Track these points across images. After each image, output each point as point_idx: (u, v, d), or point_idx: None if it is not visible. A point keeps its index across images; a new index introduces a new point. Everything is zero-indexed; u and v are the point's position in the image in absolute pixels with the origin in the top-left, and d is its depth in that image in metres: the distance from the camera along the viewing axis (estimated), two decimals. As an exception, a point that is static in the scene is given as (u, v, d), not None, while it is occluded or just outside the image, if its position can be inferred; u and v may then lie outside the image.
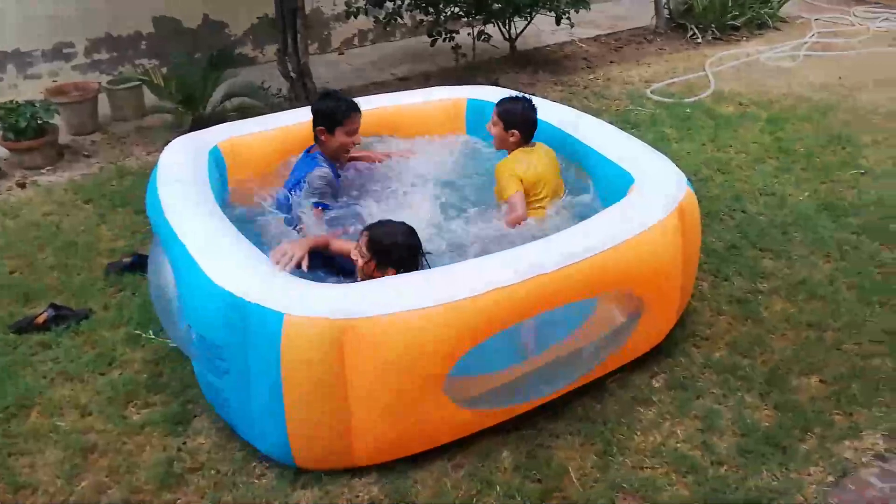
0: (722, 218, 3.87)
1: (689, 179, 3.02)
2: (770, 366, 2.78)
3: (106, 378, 2.79)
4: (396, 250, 2.44)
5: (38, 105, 4.76)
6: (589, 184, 3.28)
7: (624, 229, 2.54)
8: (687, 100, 5.57)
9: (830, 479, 2.29)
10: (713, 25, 7.26)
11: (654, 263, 2.57)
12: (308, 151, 3.30)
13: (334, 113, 3.19)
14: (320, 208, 3.12)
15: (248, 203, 3.34)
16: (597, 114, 5.34)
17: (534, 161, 3.17)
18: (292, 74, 5.64)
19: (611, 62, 6.76)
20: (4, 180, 4.63)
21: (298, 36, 5.53)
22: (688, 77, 6.12)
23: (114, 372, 2.84)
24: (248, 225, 3.15)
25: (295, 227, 3.05)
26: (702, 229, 3.65)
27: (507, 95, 3.34)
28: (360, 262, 2.48)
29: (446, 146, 3.72)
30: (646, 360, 2.80)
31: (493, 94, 3.97)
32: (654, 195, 2.74)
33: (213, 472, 2.38)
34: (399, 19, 6.44)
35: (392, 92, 4.35)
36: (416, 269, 2.45)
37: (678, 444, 2.42)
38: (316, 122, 3.23)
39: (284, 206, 3.16)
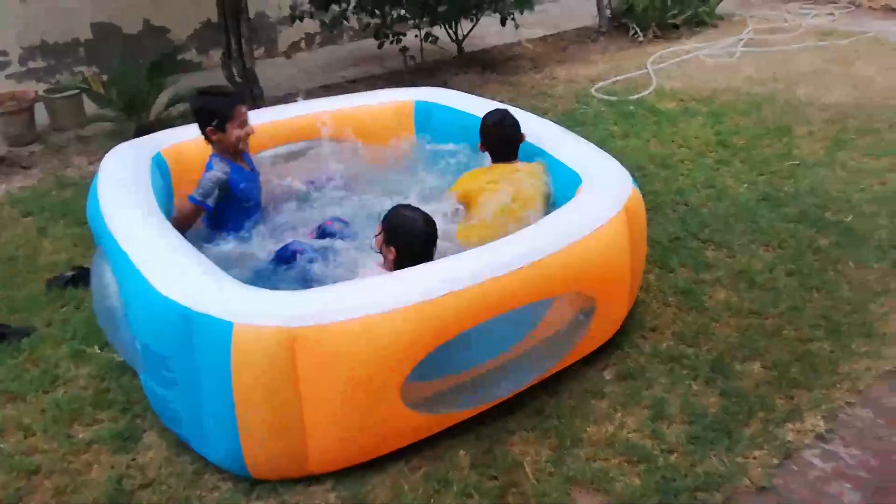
0: (666, 211, 3.97)
1: (634, 175, 3.10)
2: (715, 353, 2.86)
3: (50, 396, 2.70)
4: (403, 233, 2.56)
5: (-32, 116, 4.59)
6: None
7: (574, 231, 2.57)
8: (630, 97, 5.70)
9: (775, 461, 2.36)
10: (654, 24, 7.44)
11: (603, 263, 2.62)
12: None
13: (220, 109, 3.11)
14: (196, 205, 3.08)
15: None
16: (544, 113, 5.45)
17: (484, 178, 3.16)
18: (238, 79, 5.57)
19: (557, 62, 6.87)
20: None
21: (243, 40, 5.47)
22: (631, 75, 6.26)
23: (58, 390, 2.75)
24: (194, 233, 3.11)
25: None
26: (647, 223, 3.76)
27: (493, 108, 3.37)
28: (376, 230, 2.68)
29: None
30: (597, 353, 2.85)
31: (440, 96, 4.01)
32: (602, 195, 2.79)
33: (164, 487, 2.33)
34: (346, 22, 6.42)
35: (341, 95, 4.35)
36: (428, 258, 2.54)
37: (629, 435, 2.48)
38: (203, 124, 3.12)
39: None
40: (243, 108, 3.14)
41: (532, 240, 2.52)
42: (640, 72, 6.33)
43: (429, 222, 2.60)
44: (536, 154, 3.30)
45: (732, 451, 2.39)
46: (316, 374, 2.12)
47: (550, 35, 7.77)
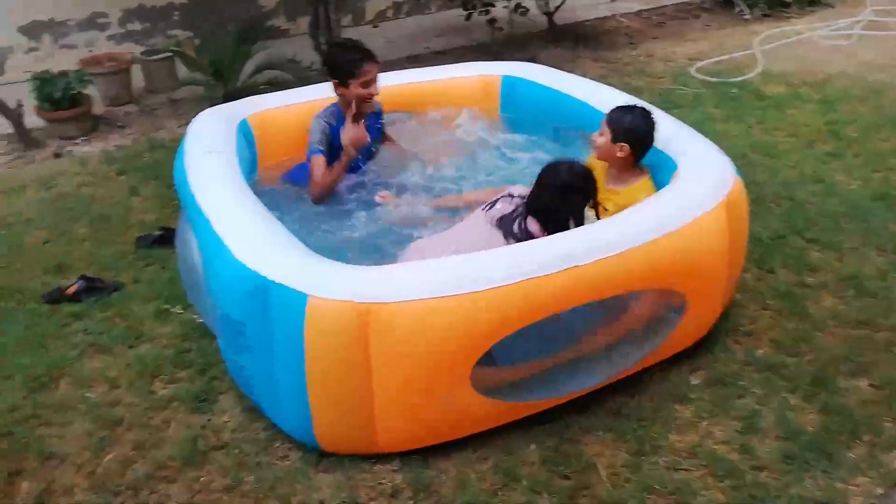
0: (768, 205, 3.70)
1: (735, 163, 2.87)
2: (816, 365, 2.64)
3: (134, 352, 2.78)
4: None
5: (72, 75, 4.77)
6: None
7: (666, 221, 2.39)
8: (733, 79, 5.34)
9: (879, 490, 2.16)
10: (762, 1, 6.94)
11: (698, 259, 2.43)
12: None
13: (347, 64, 3.08)
14: (319, 155, 3.09)
15: (275, 178, 3.29)
16: (638, 92, 5.16)
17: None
18: (324, 47, 5.54)
19: (654, 38, 6.52)
20: (40, 150, 4.66)
21: (331, 7, 5.43)
22: (734, 55, 5.86)
23: (142, 346, 2.83)
24: (276, 200, 3.11)
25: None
26: (750, 216, 3.50)
27: (622, 105, 2.93)
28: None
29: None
30: (685, 355, 2.68)
31: (528, 70, 3.83)
32: (700, 184, 2.59)
33: (236, 450, 2.35)
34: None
35: (426, 66, 4.25)
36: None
37: (716, 446, 2.32)
38: (330, 75, 3.11)
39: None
40: (370, 68, 3.07)
41: (620, 229, 2.37)
42: (745, 52, 5.92)
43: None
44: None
45: (831, 476, 2.20)
46: (386, 352, 2.07)
47: (647, 9, 7.38)
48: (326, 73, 3.16)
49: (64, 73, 4.79)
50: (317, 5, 5.51)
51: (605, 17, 7.09)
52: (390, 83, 3.70)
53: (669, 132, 3.02)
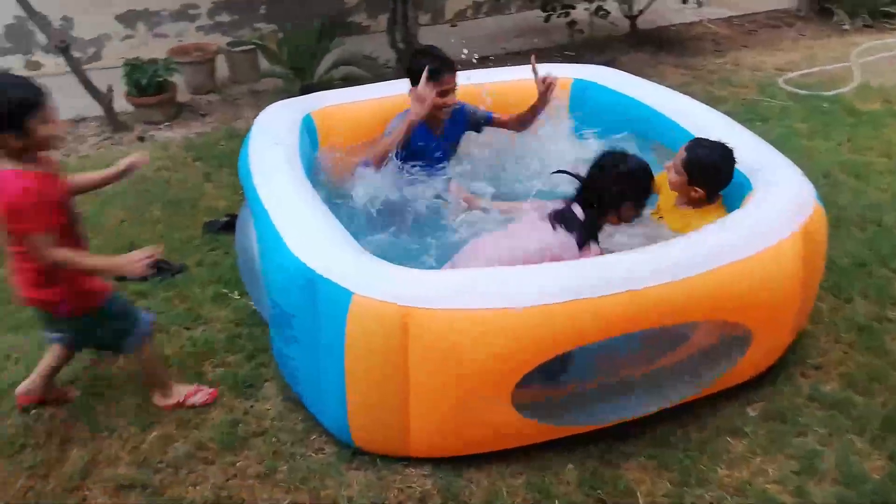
0: (851, 229, 3.45)
1: (817, 182, 2.69)
2: (889, 407, 2.44)
3: (189, 333, 2.87)
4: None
5: (159, 63, 4.99)
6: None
7: (735, 248, 2.25)
8: (825, 93, 5.03)
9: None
10: (865, 11, 6.50)
11: (767, 290, 2.28)
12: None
13: (424, 71, 3.06)
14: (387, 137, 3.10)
15: (334, 173, 3.32)
16: (721, 102, 4.96)
17: None
18: (400, 45, 5.59)
19: (742, 46, 6.23)
20: (126, 133, 4.90)
21: (408, 5, 5.46)
22: (829, 67, 5.52)
23: (198, 328, 2.92)
24: (332, 194, 3.14)
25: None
26: (828, 241, 3.28)
27: (706, 140, 2.73)
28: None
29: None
30: (744, 387, 2.53)
31: (601, 74, 3.73)
32: (775, 209, 2.41)
33: (274, 439, 2.39)
34: (515, -9, 6.22)
35: (500, 67, 4.19)
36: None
37: (768, 485, 2.17)
38: (411, 81, 3.13)
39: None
40: (450, 79, 3.10)
41: (683, 254, 2.24)
42: (840, 64, 5.57)
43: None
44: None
45: (893, 530, 2.02)
46: (424, 357, 2.05)
47: (738, 16, 7.06)
48: (409, 78, 3.15)
49: (153, 61, 5.02)
50: (395, 3, 5.55)
51: (691, 23, 6.83)
52: (458, 83, 3.69)
53: (747, 149, 2.85)
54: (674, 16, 6.87)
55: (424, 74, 3.02)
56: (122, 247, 3.45)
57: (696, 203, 2.72)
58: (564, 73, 3.74)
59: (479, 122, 3.37)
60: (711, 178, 2.66)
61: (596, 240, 2.44)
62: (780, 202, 2.46)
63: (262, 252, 2.44)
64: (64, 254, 2.06)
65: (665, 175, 2.77)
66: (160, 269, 3.24)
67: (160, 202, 3.88)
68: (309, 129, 3.34)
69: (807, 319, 2.75)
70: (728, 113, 4.70)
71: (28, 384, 2.47)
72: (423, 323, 2.01)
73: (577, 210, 2.45)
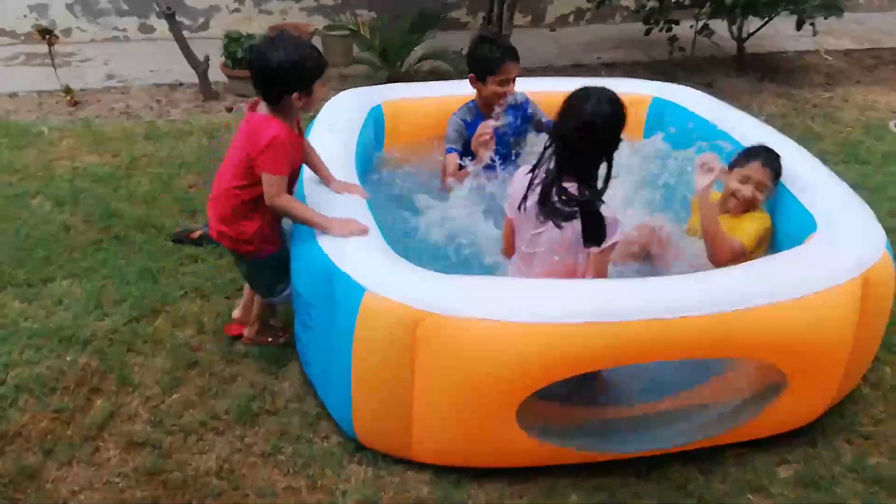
0: (940, 294, 3.13)
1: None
2: (940, 495, 2.20)
3: (228, 303, 2.96)
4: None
5: (256, 39, 5.17)
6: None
7: (783, 286, 2.10)
8: (941, 142, 4.59)
9: None
10: None
11: (811, 336, 2.11)
12: None
13: (486, 60, 3.03)
14: (453, 153, 3.12)
15: (397, 166, 3.33)
16: (818, 140, 4.63)
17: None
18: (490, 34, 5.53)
19: (857, 82, 5.78)
20: (217, 102, 5.11)
21: (506, 5, 5.40)
22: (953, 115, 5.04)
23: (237, 299, 3.00)
24: (390, 188, 3.14)
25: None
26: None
27: (762, 150, 2.71)
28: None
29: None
30: (778, 442, 2.36)
31: (684, 95, 3.55)
32: (836, 252, 2.25)
33: (284, 420, 2.43)
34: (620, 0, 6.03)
35: (593, 76, 4.04)
36: None
37: (781, 558, 2.01)
38: (469, 69, 3.09)
39: None
40: (510, 67, 3.03)
41: (728, 285, 2.11)
42: (967, 113, 5.07)
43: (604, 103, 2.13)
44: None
45: None
46: (431, 363, 2.02)
47: (859, 50, 6.56)
48: (468, 66, 3.14)
49: (250, 36, 5.20)
50: (492, 1, 5.51)
51: (805, 52, 6.40)
52: (529, 89, 3.61)
53: (819, 186, 2.64)
54: (787, 42, 6.47)
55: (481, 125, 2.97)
56: (186, 211, 3.62)
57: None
58: (643, 89, 3.61)
59: (540, 122, 3.29)
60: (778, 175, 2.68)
61: (602, 202, 2.16)
62: (841, 244, 2.27)
63: (294, 236, 2.47)
64: (288, 199, 2.34)
65: (700, 199, 2.58)
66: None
67: (231, 173, 4.02)
68: (377, 120, 3.36)
69: (861, 379, 2.52)
70: (823, 152, 4.46)
71: (235, 314, 2.76)
72: (431, 328, 1.98)
73: (571, 188, 2.14)
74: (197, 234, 3.35)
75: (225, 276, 3.13)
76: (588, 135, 2.11)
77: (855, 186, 3.96)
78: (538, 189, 2.20)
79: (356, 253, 2.17)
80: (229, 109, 5.00)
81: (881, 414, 2.52)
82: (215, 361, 2.66)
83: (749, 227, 2.60)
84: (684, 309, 1.99)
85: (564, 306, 1.98)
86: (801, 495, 2.21)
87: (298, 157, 2.45)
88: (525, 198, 2.24)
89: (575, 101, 2.14)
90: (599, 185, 2.17)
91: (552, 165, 2.17)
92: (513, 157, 3.19)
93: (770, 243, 2.67)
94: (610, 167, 2.17)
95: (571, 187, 2.16)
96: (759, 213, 2.68)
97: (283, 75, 2.25)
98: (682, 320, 1.97)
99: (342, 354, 2.13)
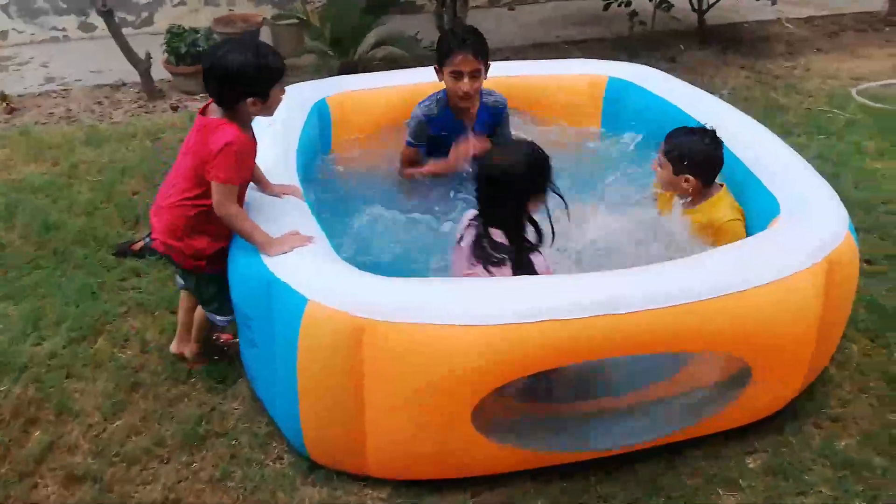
0: (906, 266, 3.09)
1: (874, 209, 2.39)
2: (911, 477, 2.15)
3: (172, 318, 2.80)
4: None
5: (200, 33, 4.95)
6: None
7: (745, 275, 2.01)
8: (903, 108, 4.55)
9: None
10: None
11: (775, 326, 2.03)
12: None
13: (440, 49, 2.85)
14: (412, 148, 3.00)
15: (346, 165, 3.19)
16: (782, 112, 4.57)
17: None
18: (447, 27, 5.37)
19: (818, 50, 5.73)
20: (162, 101, 4.90)
21: (460, -16, 5.24)
22: (914, 80, 5.01)
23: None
24: (337, 189, 3.01)
25: None
26: (875, 277, 2.95)
27: (687, 128, 2.60)
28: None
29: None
30: (746, 431, 2.29)
31: (641, 74, 3.43)
32: (800, 237, 2.16)
33: (234, 441, 2.30)
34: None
35: (548, 58, 3.92)
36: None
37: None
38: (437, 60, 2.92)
39: None
40: (459, 58, 2.78)
41: (684, 276, 2.02)
42: (927, 77, 5.04)
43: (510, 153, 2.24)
44: (732, 167, 2.66)
45: None
46: (379, 373, 1.91)
47: (821, 16, 6.51)
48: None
49: (194, 30, 4.99)
50: (445, -18, 5.34)
51: (767, 21, 6.34)
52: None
53: (784, 167, 2.56)
54: (749, 12, 6.40)
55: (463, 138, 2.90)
56: (129, 220, 3.44)
57: (696, 197, 2.56)
58: (600, 69, 3.49)
59: (506, 137, 3.10)
60: (697, 161, 2.49)
61: (536, 251, 2.18)
62: (803, 229, 2.19)
63: (231, 243, 2.31)
64: (237, 211, 2.17)
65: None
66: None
67: (176, 176, 3.84)
68: (322, 116, 3.21)
69: (828, 361, 2.46)
70: (787, 123, 4.40)
71: (173, 349, 2.59)
72: (378, 336, 1.86)
73: (498, 237, 2.17)
74: (139, 245, 3.18)
75: (168, 289, 2.96)
76: (494, 188, 2.16)
77: (819, 158, 3.99)
78: (473, 231, 2.20)
79: (296, 261, 2.04)
80: (174, 108, 4.80)
81: (848, 395, 2.46)
82: (160, 382, 2.52)
83: (732, 229, 2.47)
84: (641, 302, 1.89)
85: (514, 306, 1.87)
86: (770, 485, 2.15)
87: (253, 165, 2.30)
88: (462, 237, 2.25)
89: (489, 153, 2.24)
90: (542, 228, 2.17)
91: None
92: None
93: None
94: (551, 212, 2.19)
95: (499, 236, 2.16)
96: (723, 195, 2.56)
97: (241, 78, 2.10)
98: (638, 314, 1.88)
99: (287, 368, 2.01)
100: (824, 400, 2.44)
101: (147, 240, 3.19)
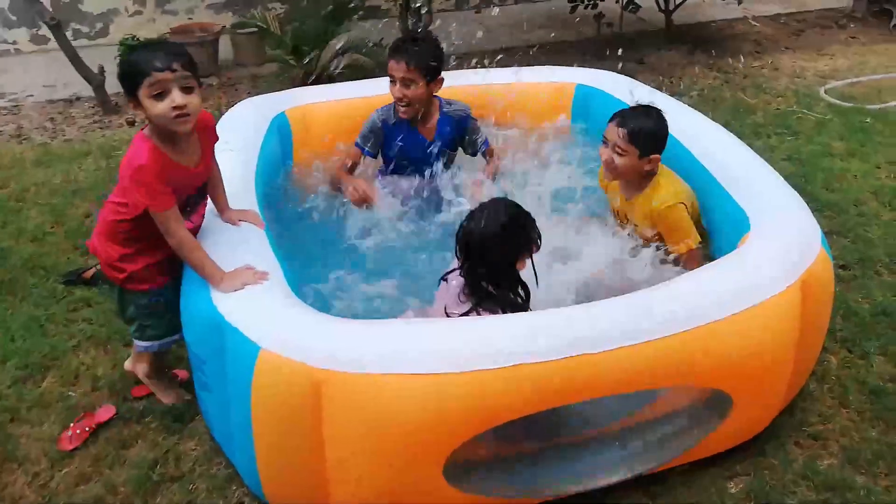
0: (878, 270, 3.05)
1: (844, 212, 2.32)
2: (894, 495, 2.09)
3: (127, 350, 2.65)
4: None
5: (156, 44, 4.78)
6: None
7: (717, 306, 1.91)
8: (870, 106, 4.55)
9: None
10: (930, 13, 5.93)
11: (753, 355, 1.94)
12: None
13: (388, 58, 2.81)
14: (356, 150, 2.94)
15: (308, 180, 3.06)
16: (750, 112, 4.55)
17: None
18: (412, 32, 5.26)
19: (784, 48, 5.73)
20: (118, 116, 4.72)
21: (424, -12, 5.13)
22: (877, 77, 5.01)
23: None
24: (299, 210, 2.88)
25: None
26: (849, 282, 2.90)
27: (628, 109, 2.58)
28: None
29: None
30: (727, 454, 2.22)
31: (607, 81, 3.36)
32: (773, 256, 2.06)
33: (191, 486, 2.17)
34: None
35: (516, 63, 3.81)
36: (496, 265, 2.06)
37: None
38: None
39: None
40: (391, 64, 2.77)
41: (651, 310, 1.89)
42: (893, 75, 5.04)
43: (490, 214, 2.05)
44: (700, 177, 2.59)
45: None
46: (341, 426, 1.77)
47: (786, 14, 6.53)
48: None
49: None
50: (409, -14, 5.23)
51: (734, 20, 6.33)
52: (449, 85, 3.37)
53: (752, 177, 2.49)
54: (716, 11, 6.38)
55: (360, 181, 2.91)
56: (80, 246, 3.27)
57: (644, 180, 2.52)
58: (568, 77, 3.41)
59: (475, 143, 3.03)
60: (662, 136, 2.48)
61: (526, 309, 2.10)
62: (780, 244, 2.10)
63: (184, 276, 2.18)
64: (182, 236, 2.00)
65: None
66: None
67: (132, 197, 3.68)
68: (282, 131, 3.08)
69: (807, 376, 2.40)
70: (756, 124, 4.37)
71: (132, 357, 2.44)
72: (337, 390, 1.73)
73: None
74: (90, 272, 3.02)
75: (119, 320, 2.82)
76: (470, 253, 2.04)
77: (789, 159, 3.96)
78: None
79: (249, 303, 1.90)
80: (131, 123, 4.62)
81: (828, 410, 2.41)
82: (111, 423, 2.37)
83: (672, 217, 2.44)
84: (616, 339, 1.79)
85: (485, 350, 1.76)
86: (754, 510, 2.09)
87: (188, 182, 2.10)
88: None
89: (467, 225, 2.07)
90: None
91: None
92: (441, 172, 2.94)
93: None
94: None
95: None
96: (666, 172, 2.53)
97: (121, 81, 1.99)
98: (615, 352, 1.78)
99: (241, 418, 1.88)
100: (804, 416, 2.37)
101: (98, 268, 3.03)
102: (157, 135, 2.00)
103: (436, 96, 2.92)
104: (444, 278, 2.17)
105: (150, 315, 2.23)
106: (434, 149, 2.92)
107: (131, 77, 1.93)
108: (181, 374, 2.52)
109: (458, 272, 2.10)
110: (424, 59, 2.74)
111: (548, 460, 2.02)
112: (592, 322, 1.83)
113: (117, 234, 2.12)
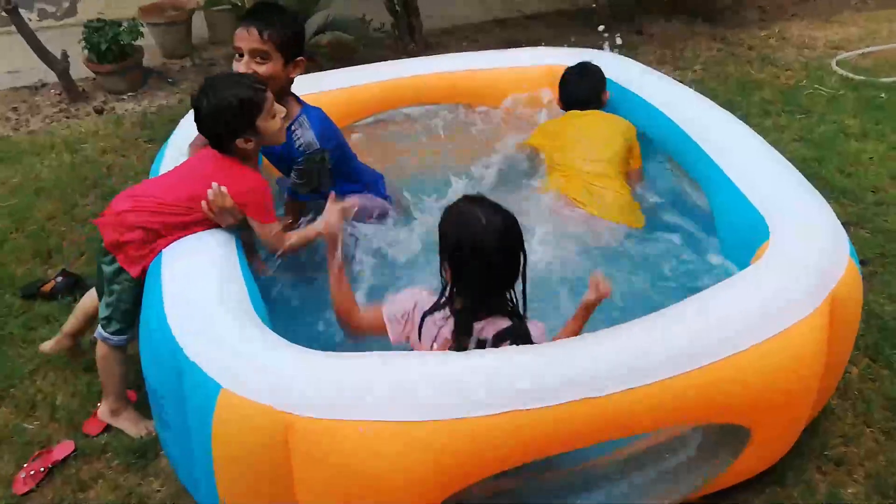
0: (901, 266, 2.83)
1: (861, 199, 2.12)
2: (926, 532, 1.91)
3: (88, 377, 2.44)
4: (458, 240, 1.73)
5: (123, 26, 4.46)
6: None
7: (735, 334, 1.67)
8: (884, 79, 4.27)
9: None
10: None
11: (774, 387, 1.71)
12: None
13: None
14: (289, 203, 2.45)
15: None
16: (756, 88, 4.27)
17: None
18: (398, 7, 4.95)
19: (792, 16, 5.42)
20: (85, 103, 4.44)
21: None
22: (893, 46, 4.72)
23: (95, 372, 2.45)
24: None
25: None
26: (869, 280, 2.69)
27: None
28: None
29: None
30: (743, 484, 2.02)
31: (600, 61, 3.07)
32: (798, 274, 1.81)
33: (156, 534, 1.98)
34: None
35: (510, 35, 3.54)
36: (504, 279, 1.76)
37: None
38: None
39: None
40: (237, 32, 2.19)
41: (666, 341, 1.66)
42: (908, 43, 4.77)
43: (498, 220, 1.71)
44: (707, 174, 2.36)
45: None
46: (313, 474, 1.57)
47: (793, -23, 6.17)
48: None
49: (115, 23, 4.49)
50: (392, -43, 4.90)
51: (737, -16, 5.98)
52: (432, 70, 3.11)
53: (767, 174, 2.24)
54: (718, -25, 6.03)
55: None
56: (40, 253, 3.04)
57: None
58: (560, 59, 3.13)
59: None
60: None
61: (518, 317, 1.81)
62: (803, 256, 1.86)
63: (142, 305, 1.95)
64: (287, 237, 2.13)
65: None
66: (73, 286, 2.79)
67: (95, 194, 3.44)
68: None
69: (829, 396, 2.20)
70: (764, 101, 4.10)
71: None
72: (307, 436, 1.53)
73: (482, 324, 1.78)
74: (50, 285, 2.79)
75: (84, 339, 2.58)
76: (460, 259, 1.73)
77: (800, 140, 3.71)
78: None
79: (211, 334, 1.68)
80: (99, 111, 4.34)
81: (852, 429, 2.21)
82: (69, 460, 2.17)
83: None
84: (622, 380, 1.57)
85: (475, 394, 1.54)
86: (772, 548, 1.90)
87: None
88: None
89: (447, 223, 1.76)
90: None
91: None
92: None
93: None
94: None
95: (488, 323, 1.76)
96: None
97: (218, 122, 2.04)
98: (621, 395, 1.57)
99: (203, 461, 1.68)
100: (826, 438, 2.17)
101: (59, 279, 2.81)
102: (245, 160, 2.09)
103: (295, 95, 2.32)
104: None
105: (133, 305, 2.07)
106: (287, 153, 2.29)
107: (250, 111, 2.01)
108: (131, 394, 2.31)
109: (444, 311, 1.81)
110: (284, 30, 2.16)
111: (544, 496, 1.82)
112: (595, 359, 1.61)
113: (169, 230, 2.02)
